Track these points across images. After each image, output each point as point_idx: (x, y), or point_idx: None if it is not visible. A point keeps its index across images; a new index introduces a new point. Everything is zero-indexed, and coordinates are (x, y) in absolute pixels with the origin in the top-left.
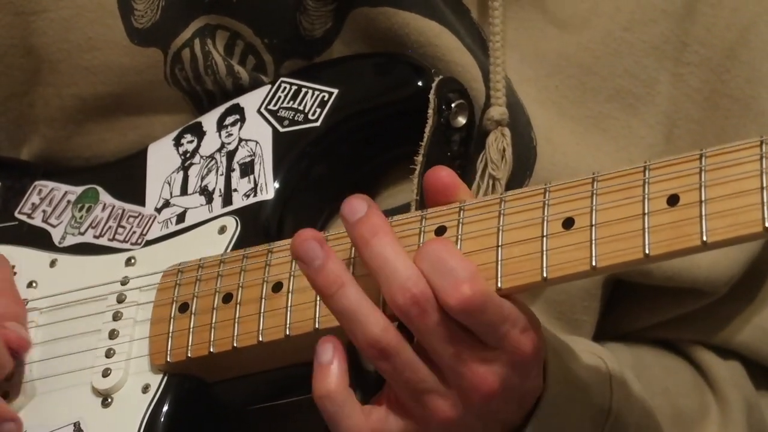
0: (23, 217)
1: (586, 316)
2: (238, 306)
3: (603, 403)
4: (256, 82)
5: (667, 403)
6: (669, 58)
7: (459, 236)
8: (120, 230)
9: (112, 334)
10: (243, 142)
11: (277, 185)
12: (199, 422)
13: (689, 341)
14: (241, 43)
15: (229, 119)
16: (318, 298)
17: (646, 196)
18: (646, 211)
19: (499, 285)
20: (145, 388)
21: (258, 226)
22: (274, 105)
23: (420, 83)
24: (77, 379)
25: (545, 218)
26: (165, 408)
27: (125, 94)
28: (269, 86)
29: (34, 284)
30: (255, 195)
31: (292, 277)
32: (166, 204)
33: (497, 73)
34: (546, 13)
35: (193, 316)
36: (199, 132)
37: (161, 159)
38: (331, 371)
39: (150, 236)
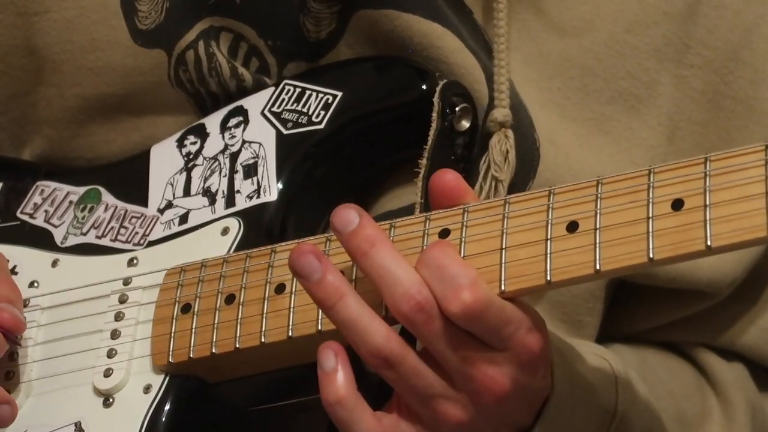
0: (25, 217)
1: (590, 318)
2: (240, 307)
3: (608, 404)
4: (260, 84)
5: (672, 406)
6: (671, 60)
7: (462, 239)
8: (122, 231)
9: (114, 334)
10: (246, 144)
11: (280, 187)
12: (200, 423)
13: (693, 343)
14: (245, 45)
15: (233, 121)
16: None
17: (651, 200)
18: (650, 215)
19: (502, 288)
20: (147, 389)
21: (261, 228)
22: (278, 107)
23: (424, 86)
24: (79, 378)
25: (549, 221)
26: (166, 408)
27: (128, 95)
28: (273, 88)
29: (35, 284)
30: (258, 197)
31: (295, 279)
32: (169, 205)
33: (501, 75)
34: (548, 16)
35: (195, 316)
36: (202, 133)
37: (164, 160)
38: (338, 378)
39: (152, 237)
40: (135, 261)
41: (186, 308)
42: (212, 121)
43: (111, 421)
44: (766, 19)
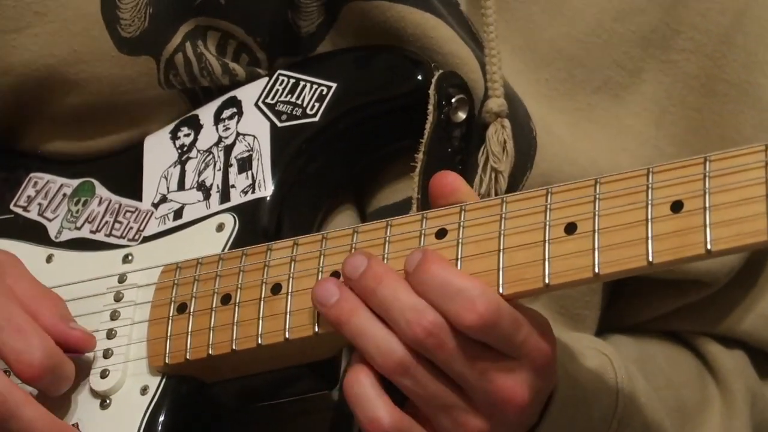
0: (19, 210)
1: (588, 311)
2: (236, 308)
3: (610, 401)
4: (253, 76)
5: (672, 395)
6: (657, 46)
7: (460, 240)
8: (117, 225)
9: (110, 334)
10: (241, 137)
11: (275, 182)
12: (198, 423)
13: (693, 332)
14: (233, 42)
15: (227, 112)
16: None
17: (650, 202)
18: (649, 218)
19: (501, 291)
20: (144, 390)
21: (256, 224)
22: (272, 98)
23: (420, 77)
24: (75, 380)
25: (547, 223)
26: (164, 409)
27: (118, 102)
28: (266, 79)
29: None
30: (253, 191)
31: (291, 279)
32: (163, 199)
33: (493, 65)
34: (537, 4)
35: (191, 317)
36: (196, 125)
37: (158, 152)
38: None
39: (147, 232)
40: (130, 257)
41: (182, 308)
42: (206, 113)
43: (108, 422)
44: (758, 1)
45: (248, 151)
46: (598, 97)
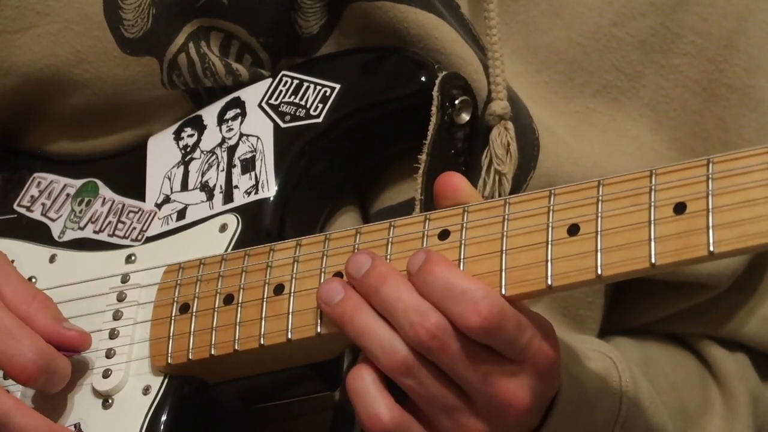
0: (22, 210)
1: (591, 312)
2: (239, 308)
3: (612, 404)
4: (257, 77)
5: (674, 398)
6: (657, 50)
7: (463, 241)
8: (120, 226)
9: (113, 334)
10: (244, 137)
11: (278, 182)
12: (200, 423)
13: (696, 335)
14: (236, 42)
15: (230, 113)
16: None
17: (653, 203)
18: (652, 219)
19: (503, 292)
20: (146, 390)
21: (259, 225)
22: (276, 99)
23: (423, 79)
24: (77, 379)
25: (550, 224)
26: (166, 409)
27: (121, 103)
28: (270, 79)
29: (33, 279)
30: (256, 192)
31: (294, 280)
32: (167, 200)
33: (497, 67)
34: (538, 7)
35: (194, 317)
36: (199, 126)
37: (161, 153)
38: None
39: (150, 233)
40: (133, 258)
41: (184, 308)
42: (209, 113)
43: (110, 422)
44: (760, 5)
45: (251, 151)
46: (596, 101)
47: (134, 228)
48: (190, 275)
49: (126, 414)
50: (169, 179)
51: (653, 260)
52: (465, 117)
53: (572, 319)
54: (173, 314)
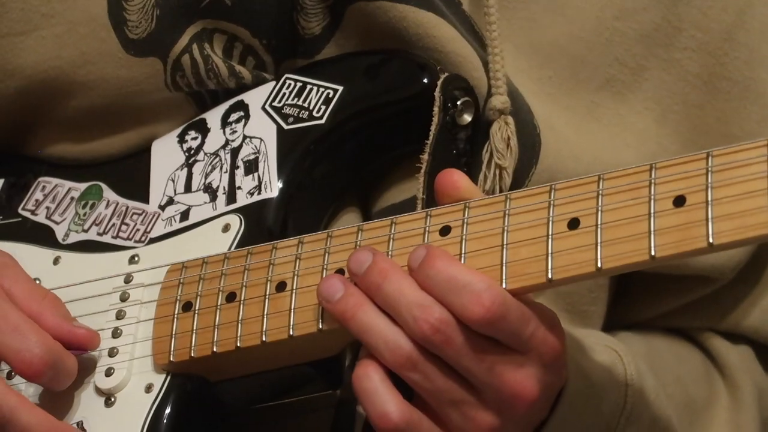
0: (27, 214)
1: (595, 307)
2: (241, 305)
3: (618, 397)
4: (259, 80)
5: (680, 392)
6: (660, 44)
7: (463, 236)
8: (124, 228)
9: (115, 333)
10: (247, 140)
11: (281, 183)
12: (202, 421)
13: (699, 328)
14: (239, 45)
15: (234, 116)
16: None
17: (653, 197)
18: (652, 212)
19: (504, 286)
20: (148, 388)
21: (262, 225)
22: (279, 102)
23: (425, 80)
24: (80, 378)
25: (550, 218)
26: (168, 407)
27: (125, 104)
28: (274, 83)
29: (37, 281)
30: (259, 193)
31: (295, 277)
32: (170, 201)
33: (496, 63)
34: (539, 3)
35: (196, 315)
36: (203, 129)
37: (165, 156)
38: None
39: (154, 234)
40: (136, 258)
41: (187, 306)
42: (213, 116)
43: (113, 420)
44: None
45: (255, 153)
46: (600, 95)
47: (138, 229)
48: (193, 274)
49: (128, 412)
50: (173, 181)
51: (653, 252)
52: (467, 118)
53: (577, 315)
54: (176, 312)
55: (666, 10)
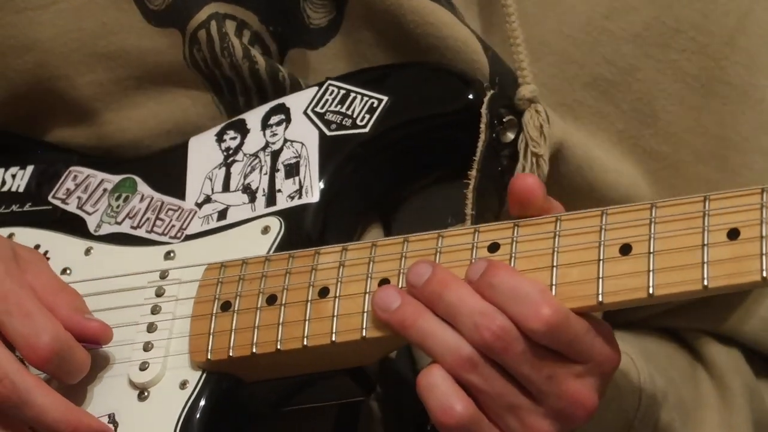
0: (57, 202)
1: None
2: (282, 308)
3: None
4: (273, 69)
5: (672, 393)
6: (653, 45)
7: (513, 254)
8: (158, 223)
9: (151, 328)
10: (288, 143)
11: (322, 188)
12: (234, 421)
13: (691, 329)
14: (247, 32)
15: (274, 118)
16: (366, 307)
17: (707, 228)
18: (705, 243)
19: None
20: (183, 384)
21: (302, 229)
22: (321, 108)
23: (471, 96)
24: (114, 371)
25: (602, 242)
26: (202, 405)
27: (145, 76)
28: (316, 88)
29: (68, 271)
30: (300, 197)
31: (339, 283)
32: (207, 200)
33: (520, 53)
34: None
35: (235, 315)
36: (242, 129)
37: (203, 154)
38: None
39: (190, 231)
40: (172, 254)
41: (226, 306)
42: (253, 117)
43: (146, 414)
44: (761, 3)
45: (296, 157)
46: (584, 93)
47: (173, 225)
48: (232, 274)
49: (162, 407)
50: (211, 180)
51: (706, 282)
52: (510, 136)
53: None
54: (214, 311)
55: (660, 10)
